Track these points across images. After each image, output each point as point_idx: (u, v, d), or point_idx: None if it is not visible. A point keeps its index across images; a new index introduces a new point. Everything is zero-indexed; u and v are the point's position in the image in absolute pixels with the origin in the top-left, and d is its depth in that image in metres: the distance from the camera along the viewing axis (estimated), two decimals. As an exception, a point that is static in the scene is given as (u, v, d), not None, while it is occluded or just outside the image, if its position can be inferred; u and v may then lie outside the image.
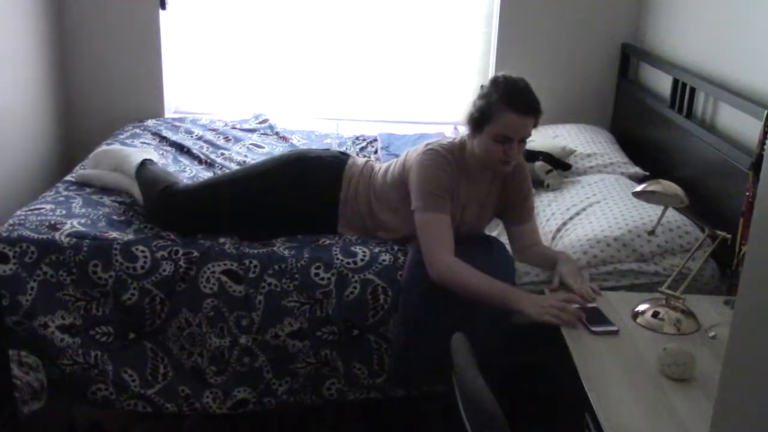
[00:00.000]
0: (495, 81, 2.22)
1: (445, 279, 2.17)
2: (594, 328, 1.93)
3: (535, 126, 2.23)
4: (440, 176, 2.25)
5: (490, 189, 2.40)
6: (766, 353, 0.82)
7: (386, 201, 2.40)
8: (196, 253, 2.28)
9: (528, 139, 2.27)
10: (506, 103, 2.15)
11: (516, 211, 2.44)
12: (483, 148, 2.23)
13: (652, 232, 2.24)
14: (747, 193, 2.16)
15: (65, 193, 2.66)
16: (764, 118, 2.17)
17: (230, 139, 3.48)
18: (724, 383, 0.92)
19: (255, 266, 2.27)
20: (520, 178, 2.41)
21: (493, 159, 2.23)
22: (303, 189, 2.45)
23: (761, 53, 2.50)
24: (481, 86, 2.27)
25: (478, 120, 2.21)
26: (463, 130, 2.36)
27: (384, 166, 2.49)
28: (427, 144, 2.32)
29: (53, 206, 2.51)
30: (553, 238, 2.61)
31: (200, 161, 3.19)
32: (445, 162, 2.27)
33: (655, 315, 1.99)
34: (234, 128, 3.64)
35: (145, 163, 2.69)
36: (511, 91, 2.17)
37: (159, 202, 2.48)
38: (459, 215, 2.33)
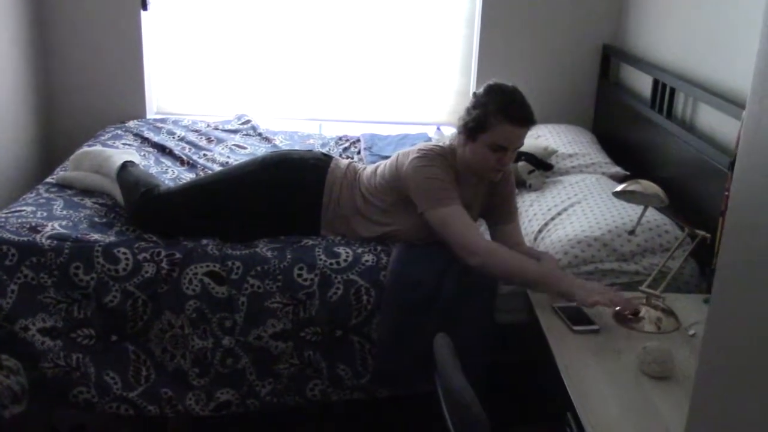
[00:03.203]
0: (490, 90, 2.24)
1: (487, 264, 2.17)
2: (575, 328, 1.94)
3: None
4: (440, 172, 2.27)
5: (477, 191, 2.42)
6: (740, 350, 0.84)
7: (374, 202, 2.40)
8: (178, 255, 2.27)
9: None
10: (504, 115, 2.19)
11: (500, 211, 2.46)
12: (477, 156, 2.26)
13: (632, 232, 2.26)
14: (726, 193, 2.18)
15: (46, 195, 2.64)
16: (743, 119, 2.19)
17: (212, 140, 3.47)
18: (699, 380, 0.93)
19: (238, 267, 2.26)
20: (505, 179, 2.44)
21: (486, 167, 2.27)
22: (285, 191, 2.45)
23: (740, 53, 2.53)
24: (474, 94, 2.30)
25: (474, 129, 2.24)
26: (448, 133, 2.38)
27: (370, 168, 2.49)
28: (420, 148, 2.34)
29: (34, 208, 2.49)
30: (535, 239, 2.63)
31: (182, 162, 3.18)
32: (442, 160, 2.29)
33: (635, 314, 2.01)
34: (216, 129, 3.63)
35: (126, 165, 2.67)
36: (508, 102, 2.21)
37: (140, 205, 2.47)
38: None
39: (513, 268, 2.17)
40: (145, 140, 3.33)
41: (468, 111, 2.27)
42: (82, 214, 2.49)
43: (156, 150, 3.25)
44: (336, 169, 2.48)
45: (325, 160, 2.53)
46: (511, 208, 2.48)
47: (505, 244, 2.43)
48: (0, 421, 2.01)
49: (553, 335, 1.92)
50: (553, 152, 3.19)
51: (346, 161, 2.56)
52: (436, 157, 2.29)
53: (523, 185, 3.01)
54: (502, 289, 2.33)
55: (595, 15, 3.77)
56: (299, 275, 2.26)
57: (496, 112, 2.19)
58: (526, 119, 2.21)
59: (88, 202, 2.61)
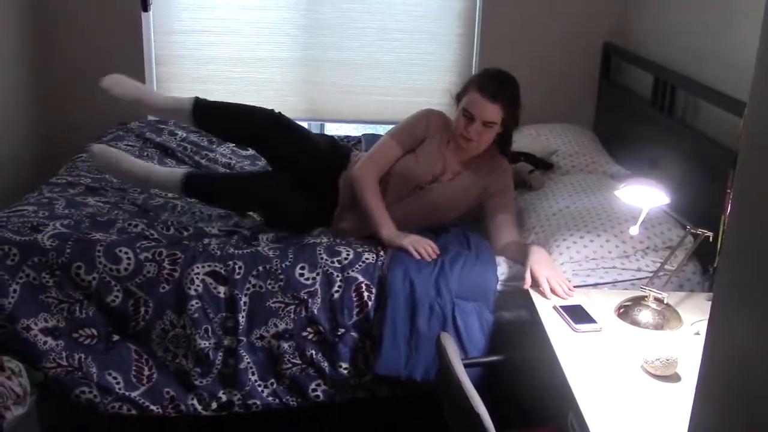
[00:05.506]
0: (485, 68, 2.54)
1: (354, 183, 2.48)
2: (577, 327, 1.94)
3: (515, 123, 2.49)
4: (420, 123, 2.54)
5: (471, 171, 2.54)
6: (743, 349, 0.83)
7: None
8: (180, 255, 2.27)
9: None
10: (476, 84, 2.43)
11: (495, 201, 2.54)
12: (455, 119, 2.49)
13: (634, 230, 2.25)
14: (728, 191, 2.17)
15: (48, 194, 2.64)
16: (744, 117, 2.18)
17: (214, 141, 3.47)
18: (703, 379, 0.93)
19: (239, 267, 2.26)
20: (501, 171, 2.58)
21: (458, 130, 2.46)
22: (317, 158, 2.64)
23: (741, 50, 2.53)
24: None
25: (458, 94, 2.51)
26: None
27: None
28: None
29: (36, 208, 2.49)
30: (536, 237, 2.62)
31: (185, 163, 3.18)
32: (432, 116, 2.55)
33: (638, 312, 2.01)
34: (218, 129, 3.63)
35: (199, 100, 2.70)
36: (487, 76, 2.45)
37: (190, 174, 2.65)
38: (441, 169, 2.54)
39: (362, 200, 2.45)
40: (147, 141, 3.33)
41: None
42: (84, 213, 2.49)
43: (158, 151, 3.25)
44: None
45: (347, 154, 2.72)
46: (507, 200, 2.57)
47: (499, 236, 2.49)
48: (1, 423, 2.01)
49: (556, 334, 1.92)
50: (554, 152, 3.19)
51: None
52: (433, 115, 2.56)
53: (523, 185, 3.00)
54: (503, 288, 2.33)
55: (596, 13, 3.77)
56: (301, 274, 2.27)
57: (473, 81, 2.46)
58: (493, 93, 2.38)
59: (90, 200, 2.62)
